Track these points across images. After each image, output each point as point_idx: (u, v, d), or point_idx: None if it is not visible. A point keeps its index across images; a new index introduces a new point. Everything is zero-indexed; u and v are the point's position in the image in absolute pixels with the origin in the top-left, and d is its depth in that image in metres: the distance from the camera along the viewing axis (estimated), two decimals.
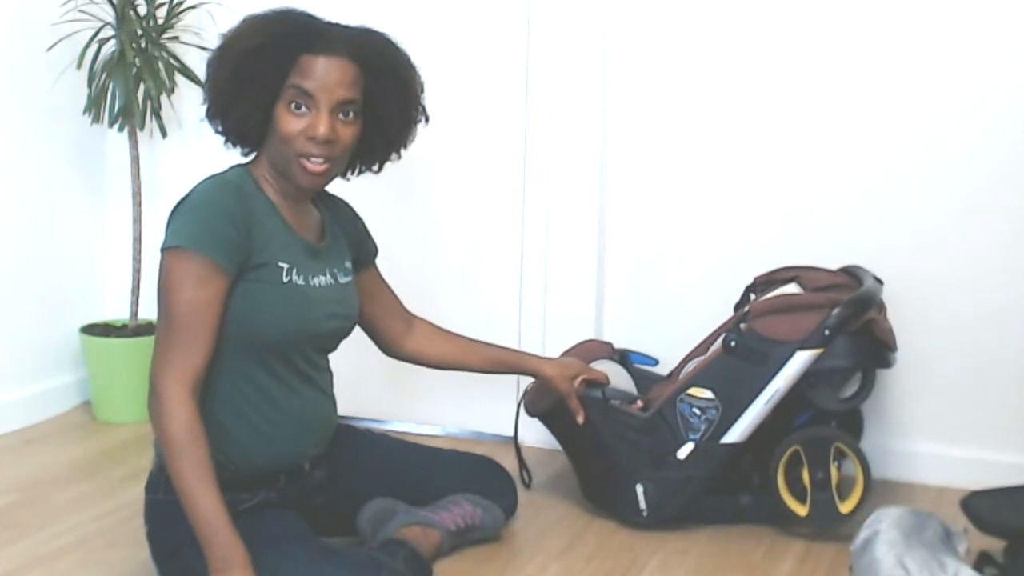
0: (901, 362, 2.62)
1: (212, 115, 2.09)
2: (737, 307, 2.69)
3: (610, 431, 2.43)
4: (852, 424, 2.56)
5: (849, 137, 2.75)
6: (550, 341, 2.93)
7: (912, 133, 2.71)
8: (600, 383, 2.49)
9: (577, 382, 2.46)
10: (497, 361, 2.49)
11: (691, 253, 2.89)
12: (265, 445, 2.06)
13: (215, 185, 2.03)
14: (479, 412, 3.09)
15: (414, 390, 3.11)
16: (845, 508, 2.37)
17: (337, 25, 2.11)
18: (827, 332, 2.34)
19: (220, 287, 1.96)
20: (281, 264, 2.04)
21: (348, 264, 2.24)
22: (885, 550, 1.98)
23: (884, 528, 2.03)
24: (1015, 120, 2.63)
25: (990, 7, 2.62)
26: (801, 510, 2.37)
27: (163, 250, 1.97)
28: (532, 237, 3.00)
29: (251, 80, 2.03)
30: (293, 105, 2.02)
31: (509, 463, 2.54)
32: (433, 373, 2.78)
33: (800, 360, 2.35)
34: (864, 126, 2.74)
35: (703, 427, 2.38)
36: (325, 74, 2.02)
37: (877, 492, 2.58)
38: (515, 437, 2.62)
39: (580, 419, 2.43)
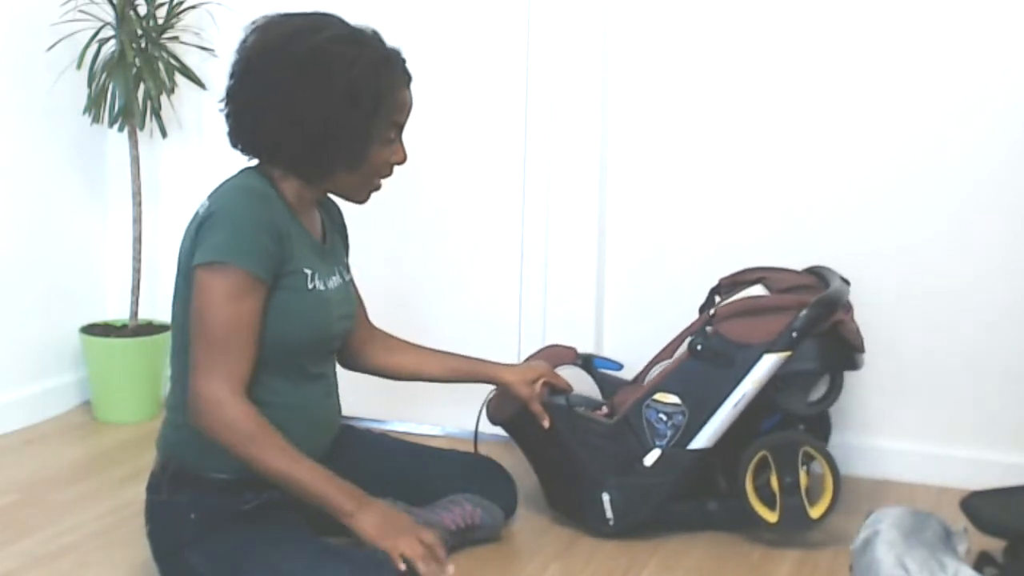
0: (901, 362, 2.63)
1: (301, 144, 2.01)
2: (702, 309, 2.66)
3: (574, 438, 2.39)
4: (819, 426, 2.53)
5: (848, 138, 2.75)
6: (550, 341, 2.92)
7: (910, 134, 2.71)
8: (562, 389, 2.45)
9: (538, 387, 2.42)
10: (456, 370, 2.46)
11: (691, 253, 2.89)
12: None
13: (243, 194, 2.00)
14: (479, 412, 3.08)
15: (414, 390, 3.10)
16: (815, 513, 2.32)
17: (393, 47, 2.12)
18: (794, 334, 2.30)
19: (259, 299, 1.96)
20: (306, 270, 2.05)
21: (347, 260, 2.27)
22: (885, 550, 1.98)
23: (884, 528, 2.03)
24: (1014, 120, 2.63)
25: (989, 9, 2.62)
26: (771, 516, 2.34)
27: (199, 265, 1.95)
28: (532, 237, 3.00)
29: (366, 127, 2.03)
30: (387, 139, 2.07)
31: (509, 463, 2.54)
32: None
33: (767, 363, 2.31)
34: (862, 127, 2.74)
35: (669, 433, 2.34)
36: (410, 105, 2.10)
37: (877, 492, 2.59)
38: (475, 446, 2.53)
39: (546, 424, 2.39)
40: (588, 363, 2.65)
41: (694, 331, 2.44)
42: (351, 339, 2.32)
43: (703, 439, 2.34)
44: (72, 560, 2.28)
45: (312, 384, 2.13)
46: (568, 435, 2.39)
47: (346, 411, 2.34)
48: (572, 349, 2.68)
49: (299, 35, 2.01)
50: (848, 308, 2.46)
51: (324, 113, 1.99)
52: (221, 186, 2.05)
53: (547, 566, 2.29)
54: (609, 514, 2.37)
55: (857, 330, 2.44)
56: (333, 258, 2.19)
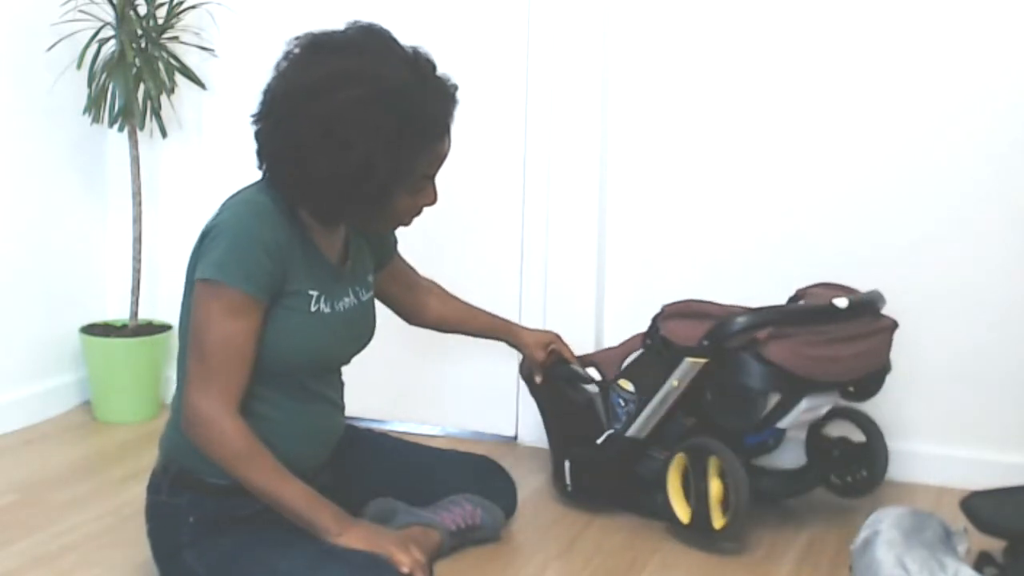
0: (901, 363, 2.62)
1: (339, 172, 1.93)
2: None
3: (557, 403, 2.61)
4: (870, 451, 2.54)
5: (849, 139, 2.75)
6: None
7: (911, 134, 2.71)
8: (567, 358, 2.61)
9: (545, 352, 2.58)
10: (491, 327, 2.60)
11: (691, 252, 2.89)
12: (275, 454, 2.05)
13: (248, 211, 1.97)
14: (479, 412, 3.09)
15: (414, 390, 3.11)
16: (717, 524, 2.31)
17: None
18: (705, 342, 2.32)
19: (255, 318, 1.95)
20: (311, 292, 2.03)
21: (370, 278, 2.24)
22: (885, 550, 1.98)
23: (884, 528, 2.03)
24: (1014, 119, 2.63)
25: (987, 10, 2.62)
26: (685, 516, 2.38)
27: (199, 280, 1.95)
28: (532, 237, 3.00)
29: (382, 190, 1.97)
30: (416, 189, 2.03)
31: (509, 463, 2.54)
32: (433, 373, 2.79)
33: (685, 366, 2.35)
34: (863, 129, 2.74)
35: (623, 418, 2.47)
36: (446, 152, 2.05)
37: (878, 492, 2.58)
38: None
39: (538, 379, 2.59)
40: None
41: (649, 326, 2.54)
42: (411, 303, 2.49)
43: (635, 428, 2.45)
44: (72, 560, 2.28)
45: (313, 402, 2.11)
46: (552, 398, 2.62)
47: (347, 411, 2.34)
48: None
49: (328, 88, 1.90)
50: (779, 331, 2.30)
51: (341, 176, 1.93)
52: (234, 196, 2.03)
53: (547, 566, 2.30)
54: (568, 480, 2.55)
55: (812, 357, 2.30)
56: (351, 279, 2.15)
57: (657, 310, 2.56)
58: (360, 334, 2.20)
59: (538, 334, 2.62)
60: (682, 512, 2.38)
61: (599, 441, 2.49)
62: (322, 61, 1.94)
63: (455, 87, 2.03)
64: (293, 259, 1.99)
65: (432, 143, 2.00)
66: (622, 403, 2.48)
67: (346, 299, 2.12)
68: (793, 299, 2.57)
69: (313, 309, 2.03)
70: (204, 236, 1.98)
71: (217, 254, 1.93)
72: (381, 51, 1.97)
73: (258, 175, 2.16)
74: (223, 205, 2.02)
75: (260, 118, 2.00)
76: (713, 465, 2.32)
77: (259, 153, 2.02)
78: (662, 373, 2.40)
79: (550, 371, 2.60)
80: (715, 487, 2.32)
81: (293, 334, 2.01)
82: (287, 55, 1.98)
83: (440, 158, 2.04)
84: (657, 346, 2.45)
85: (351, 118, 1.90)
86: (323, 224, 2.05)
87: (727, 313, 2.39)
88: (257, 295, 1.94)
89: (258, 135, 2.01)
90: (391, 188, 1.98)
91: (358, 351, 2.22)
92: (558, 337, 2.63)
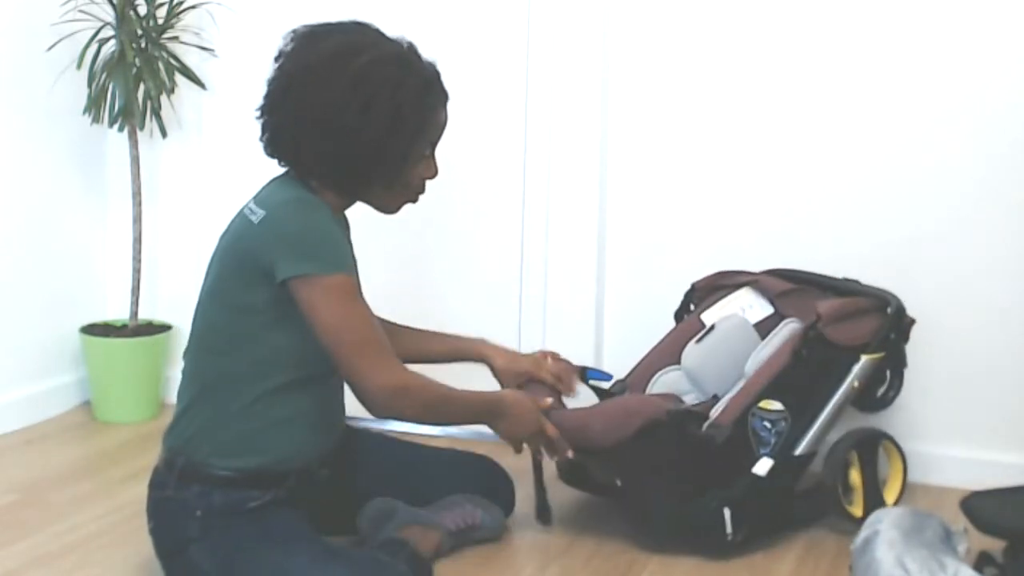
0: None
1: (317, 152, 2.03)
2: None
3: (662, 454, 2.31)
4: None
5: (849, 135, 2.75)
6: (550, 340, 2.92)
7: (913, 130, 2.71)
8: (548, 387, 2.38)
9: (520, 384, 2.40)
10: (457, 349, 2.45)
11: (691, 252, 2.89)
12: (287, 446, 2.07)
13: (313, 208, 2.03)
14: None
15: None
16: (890, 498, 2.48)
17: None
18: (892, 335, 2.45)
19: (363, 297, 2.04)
20: (358, 279, 2.09)
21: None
22: (885, 550, 1.98)
23: (884, 528, 2.03)
24: (1013, 118, 2.63)
25: (986, 12, 2.62)
26: (859, 510, 2.40)
27: (299, 279, 1.95)
28: (532, 236, 3.00)
29: (408, 151, 2.07)
30: (424, 158, 2.11)
31: (509, 463, 2.54)
32: (433, 373, 2.76)
33: (864, 365, 2.42)
34: (864, 125, 2.74)
35: (773, 440, 2.33)
36: (446, 122, 2.13)
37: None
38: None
39: (564, 455, 2.34)
40: (582, 375, 2.60)
41: (797, 337, 2.39)
42: None
43: (806, 444, 2.37)
44: (72, 560, 2.28)
45: (327, 385, 2.13)
46: (647, 458, 2.28)
47: (347, 411, 2.34)
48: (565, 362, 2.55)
49: (343, 55, 2.01)
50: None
51: (368, 136, 2.00)
52: (273, 194, 2.05)
53: (547, 566, 2.29)
54: (729, 530, 2.30)
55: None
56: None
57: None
58: None
59: (514, 360, 2.42)
60: (857, 508, 2.41)
61: (763, 472, 2.30)
62: (325, 39, 2.04)
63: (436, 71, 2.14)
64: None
65: (440, 104, 2.11)
66: (768, 425, 2.32)
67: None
68: (691, 292, 2.66)
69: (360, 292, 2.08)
70: (270, 233, 1.98)
71: (314, 251, 1.98)
72: (374, 31, 2.10)
73: (258, 174, 2.17)
74: (267, 203, 2.02)
75: (270, 107, 2.05)
76: (887, 450, 2.49)
77: (273, 143, 2.06)
78: (824, 380, 2.39)
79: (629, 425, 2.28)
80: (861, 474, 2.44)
81: None
82: (286, 46, 2.06)
83: (442, 125, 2.14)
84: (820, 354, 2.36)
85: (373, 77, 2.00)
86: (342, 198, 2.11)
87: (867, 307, 2.47)
88: (356, 277, 2.04)
89: (268, 125, 2.05)
90: (414, 147, 2.06)
91: None
92: (538, 365, 2.42)
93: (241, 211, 2.07)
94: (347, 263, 2.02)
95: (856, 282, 2.62)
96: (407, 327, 2.43)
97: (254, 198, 2.08)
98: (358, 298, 2.01)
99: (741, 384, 2.42)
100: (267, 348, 2.02)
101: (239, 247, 2.03)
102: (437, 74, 2.11)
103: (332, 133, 2.00)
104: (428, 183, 2.17)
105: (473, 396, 2.17)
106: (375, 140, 2.01)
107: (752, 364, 2.47)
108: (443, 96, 2.12)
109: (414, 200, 2.18)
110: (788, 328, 2.48)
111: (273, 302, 1.99)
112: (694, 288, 2.68)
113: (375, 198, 2.14)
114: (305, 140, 2.02)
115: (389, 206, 2.17)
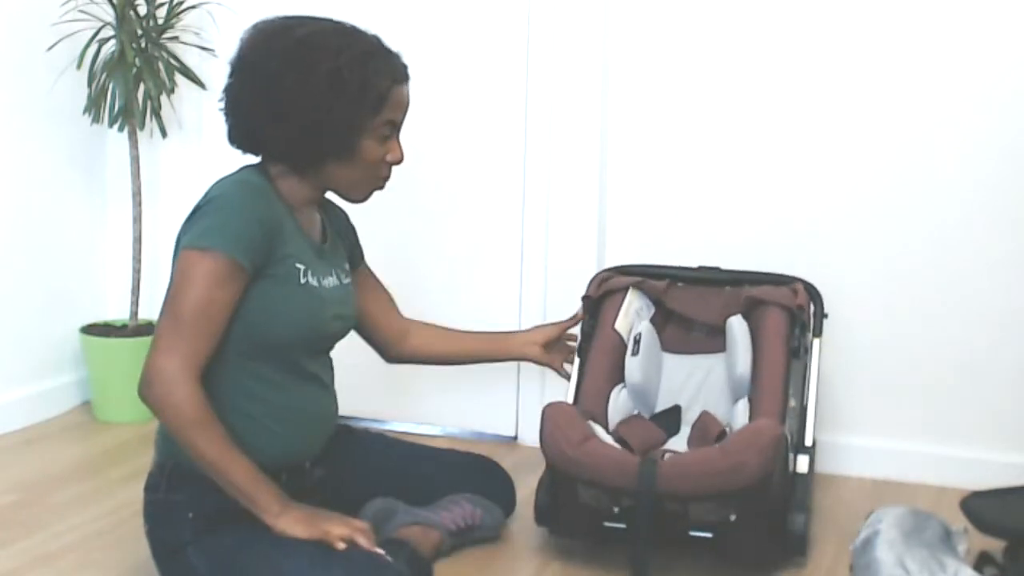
0: (900, 362, 2.63)
1: (287, 133, 2.03)
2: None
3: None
4: None
5: (847, 138, 2.75)
6: None
7: (911, 133, 2.71)
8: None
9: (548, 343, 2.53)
10: (482, 346, 2.53)
11: (691, 253, 2.89)
12: (270, 442, 2.06)
13: (239, 187, 2.02)
14: (479, 412, 3.09)
15: (414, 390, 3.11)
16: None
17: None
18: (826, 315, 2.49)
19: (236, 288, 1.96)
20: (298, 265, 2.05)
21: (347, 265, 2.26)
22: (885, 550, 1.98)
23: (884, 528, 2.03)
24: (1013, 118, 2.63)
25: (985, 13, 2.62)
26: None
27: (184, 247, 1.96)
28: (532, 236, 3.00)
29: (353, 117, 2.02)
30: (382, 136, 2.06)
31: (509, 463, 2.54)
32: (433, 373, 2.78)
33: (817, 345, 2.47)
34: (861, 127, 2.74)
35: (794, 436, 2.29)
36: (406, 103, 2.09)
37: (877, 492, 2.58)
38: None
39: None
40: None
41: (788, 334, 2.41)
42: (388, 328, 2.41)
43: (810, 431, 2.37)
44: (72, 560, 2.28)
45: (308, 383, 2.13)
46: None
47: (346, 411, 2.34)
48: None
49: (288, 29, 2.03)
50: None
51: (310, 101, 2.00)
52: (220, 180, 2.07)
53: (547, 566, 2.29)
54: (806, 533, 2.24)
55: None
56: (331, 260, 2.19)
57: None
58: (345, 315, 2.21)
59: (529, 333, 2.57)
60: None
61: (806, 469, 2.30)
62: (270, 27, 2.06)
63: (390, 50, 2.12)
64: (282, 233, 2.02)
65: (390, 77, 2.05)
66: (791, 423, 2.32)
67: (330, 278, 2.14)
68: (586, 301, 2.57)
69: (302, 281, 2.05)
70: (195, 211, 2.00)
71: (208, 223, 1.96)
72: (324, 19, 2.09)
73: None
74: (213, 185, 2.04)
75: (228, 87, 2.07)
76: None
77: (231, 132, 2.08)
78: (804, 366, 2.45)
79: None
80: None
81: (288, 306, 2.03)
82: (247, 31, 2.08)
83: (402, 105, 2.09)
84: (801, 340, 2.43)
85: (316, 43, 2.00)
86: (305, 184, 2.09)
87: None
88: (244, 264, 1.94)
89: (228, 107, 2.07)
90: (358, 115, 2.02)
91: (343, 333, 2.23)
92: (555, 327, 2.56)
93: None
94: (235, 245, 1.93)
95: (717, 269, 2.64)
96: (445, 330, 2.51)
97: None
98: (220, 284, 1.93)
99: (747, 391, 2.37)
100: (230, 342, 2.00)
101: (183, 226, 2.04)
102: (391, 52, 2.08)
103: (279, 104, 2.00)
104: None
105: (256, 473, 1.95)
106: (319, 105, 1.99)
107: (742, 368, 2.38)
108: (396, 71, 2.06)
109: (380, 186, 2.13)
110: (740, 324, 2.45)
111: None
112: (588, 298, 2.57)
113: (335, 180, 2.10)
114: (255, 117, 2.03)
115: (353, 191, 2.13)
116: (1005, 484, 2.25)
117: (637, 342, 2.48)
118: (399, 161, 2.11)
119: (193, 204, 2.05)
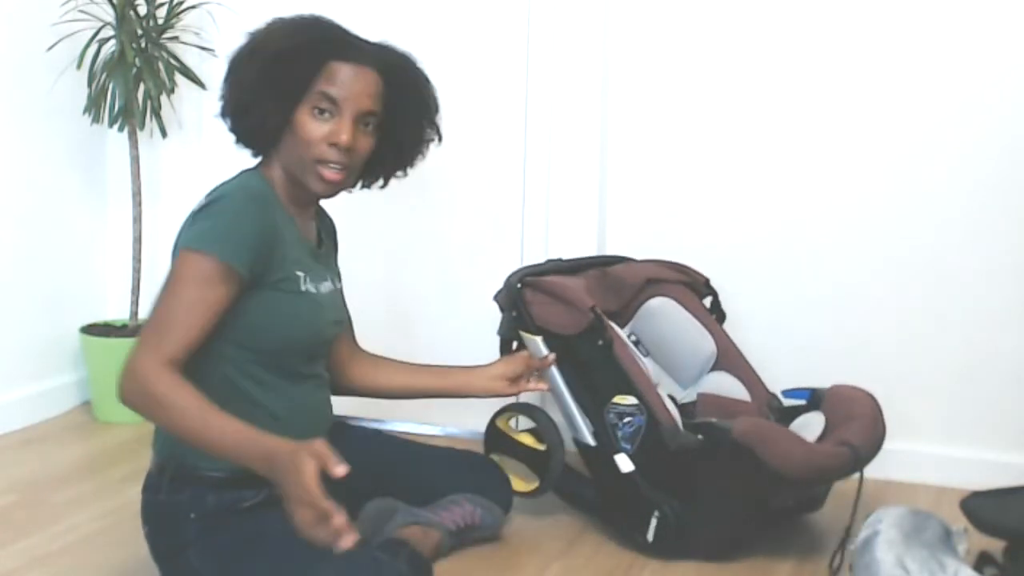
0: (900, 362, 2.63)
1: (229, 113, 2.07)
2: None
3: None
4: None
5: (847, 137, 2.76)
6: None
7: (913, 131, 2.71)
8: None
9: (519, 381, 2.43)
10: (448, 387, 2.43)
11: (691, 253, 2.88)
12: None
13: (241, 193, 2.00)
14: (479, 412, 3.08)
15: None
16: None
17: (364, 38, 2.11)
18: None
19: (229, 291, 1.93)
20: (298, 273, 2.05)
21: (338, 269, 2.27)
22: (885, 550, 1.98)
23: (884, 528, 2.03)
24: (1013, 118, 2.63)
25: (985, 15, 2.62)
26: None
27: (182, 248, 1.95)
28: (532, 237, 3.00)
29: (277, 81, 2.01)
30: (317, 110, 2.02)
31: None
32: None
33: None
34: (862, 125, 2.74)
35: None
36: (352, 82, 2.03)
37: (878, 492, 2.58)
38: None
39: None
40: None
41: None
42: (335, 356, 2.29)
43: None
44: (72, 560, 2.28)
45: (306, 383, 2.13)
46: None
47: (346, 411, 2.34)
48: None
49: (268, 24, 2.08)
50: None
51: (251, 77, 2.03)
52: (221, 184, 2.06)
53: (547, 566, 2.29)
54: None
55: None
56: (326, 264, 2.19)
57: None
58: (339, 319, 2.22)
59: (494, 367, 2.43)
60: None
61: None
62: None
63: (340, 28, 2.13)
64: (282, 242, 2.01)
65: (323, 50, 2.03)
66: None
67: (325, 283, 2.14)
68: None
69: (303, 289, 2.05)
70: (195, 213, 2.00)
71: (206, 225, 1.95)
72: (309, 15, 2.11)
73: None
74: (214, 188, 2.04)
75: (221, 105, 2.11)
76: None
77: (232, 130, 2.10)
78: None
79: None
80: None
81: (289, 314, 2.03)
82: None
83: (343, 83, 2.02)
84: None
85: (269, 27, 2.07)
86: (288, 182, 2.07)
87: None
88: (239, 269, 1.93)
89: (222, 113, 2.10)
90: (278, 79, 2.01)
91: (336, 336, 2.24)
92: (518, 361, 2.43)
93: None
94: (231, 249, 1.92)
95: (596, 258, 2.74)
96: (394, 361, 2.39)
97: None
98: (211, 285, 1.90)
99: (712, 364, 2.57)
100: (228, 346, 2.00)
101: (182, 229, 2.03)
102: (339, 28, 2.08)
103: (234, 86, 2.05)
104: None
105: (237, 433, 1.83)
106: (256, 80, 2.01)
107: (708, 343, 2.59)
108: (334, 43, 2.04)
109: (326, 170, 2.03)
110: (669, 304, 2.60)
111: None
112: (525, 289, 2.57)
113: (287, 160, 2.07)
114: (232, 108, 2.07)
115: (304, 175, 2.05)
116: (1005, 484, 2.25)
117: (637, 343, 2.52)
118: (343, 143, 2.02)
119: (193, 204, 2.04)
